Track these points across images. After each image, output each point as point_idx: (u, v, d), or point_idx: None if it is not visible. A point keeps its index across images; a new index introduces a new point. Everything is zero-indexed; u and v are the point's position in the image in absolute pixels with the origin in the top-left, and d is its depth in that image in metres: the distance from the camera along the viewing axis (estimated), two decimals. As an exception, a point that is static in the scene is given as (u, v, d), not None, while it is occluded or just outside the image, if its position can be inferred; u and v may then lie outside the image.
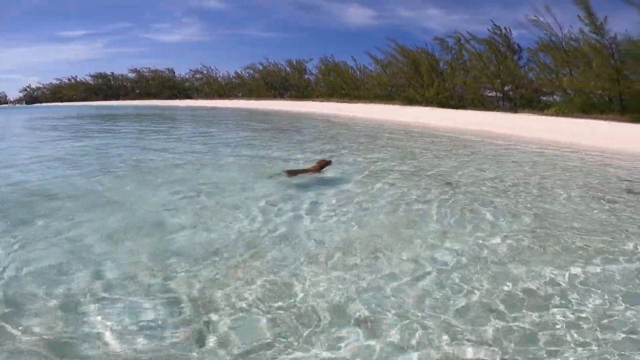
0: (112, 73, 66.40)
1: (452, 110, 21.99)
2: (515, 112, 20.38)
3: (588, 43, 18.23)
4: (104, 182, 5.09)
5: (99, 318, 2.05)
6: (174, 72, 62.23)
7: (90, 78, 66.30)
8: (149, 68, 62.94)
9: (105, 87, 65.90)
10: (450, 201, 4.20)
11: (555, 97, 21.84)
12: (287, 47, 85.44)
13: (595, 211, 3.95)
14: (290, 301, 2.19)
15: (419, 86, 28.83)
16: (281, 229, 3.34)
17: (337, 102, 32.39)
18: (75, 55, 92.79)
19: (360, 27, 71.35)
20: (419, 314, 2.09)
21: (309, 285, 2.35)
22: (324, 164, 5.25)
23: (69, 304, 2.18)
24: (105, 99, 61.93)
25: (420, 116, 18.94)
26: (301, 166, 5.92)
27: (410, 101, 28.00)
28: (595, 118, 15.07)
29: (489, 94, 26.22)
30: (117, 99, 61.81)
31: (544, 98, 23.01)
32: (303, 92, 43.61)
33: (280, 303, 2.17)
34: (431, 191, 4.63)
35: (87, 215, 3.67)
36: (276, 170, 5.44)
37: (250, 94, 49.19)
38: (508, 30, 24.57)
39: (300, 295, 2.25)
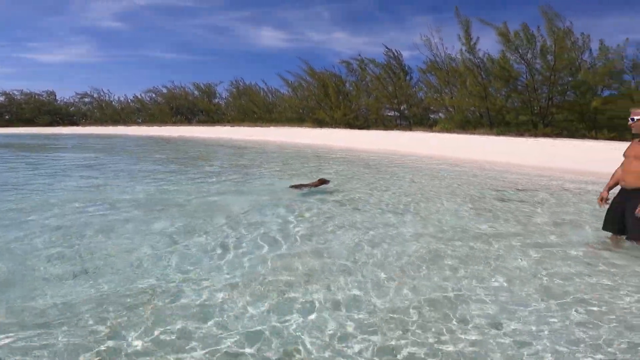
0: (-28, 96, 54.46)
1: (357, 131, 23.46)
2: (410, 129, 22.72)
3: (464, 63, 21.41)
4: None
5: None
6: (55, 96, 53.90)
7: (-60, 102, 53.10)
8: (21, 90, 53.42)
9: (-39, 113, 53.53)
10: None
11: (440, 114, 25.08)
12: (195, 69, 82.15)
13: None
14: None
15: (327, 108, 30.09)
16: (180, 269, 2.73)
17: (249, 126, 31.84)
18: None
19: (272, 49, 72.95)
20: None
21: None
22: (323, 182, 5.98)
23: None
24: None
25: (329, 138, 19.67)
26: (305, 181, 6.44)
27: (320, 123, 29.04)
28: (471, 133, 17.67)
29: (389, 114, 28.81)
30: (-21, 126, 50.57)
31: (432, 116, 26.26)
32: (213, 117, 41.90)
33: None
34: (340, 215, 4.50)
35: None
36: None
37: (152, 119, 45.23)
38: (399, 52, 27.69)
39: None
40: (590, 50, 18.42)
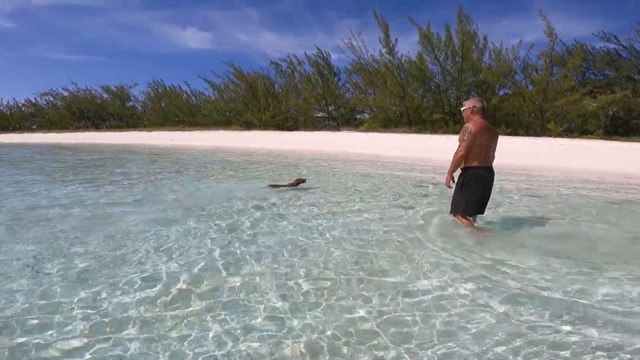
0: None
1: (287, 133, 23.11)
2: (338, 129, 23.12)
3: (384, 64, 22.33)
4: None
5: None
6: None
7: None
8: None
9: None
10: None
11: (365, 114, 26.01)
12: (107, 71, 73.77)
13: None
14: None
15: (256, 110, 29.07)
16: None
17: (171, 130, 29.35)
18: None
19: (198, 50, 68.87)
20: None
21: None
22: (300, 181, 5.97)
23: None
24: None
25: (257, 140, 18.95)
26: (282, 182, 6.47)
27: (248, 125, 28.04)
28: (392, 132, 18.58)
29: (318, 115, 29.00)
30: None
31: (358, 116, 27.13)
32: (127, 122, 37.82)
33: None
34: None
35: None
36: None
37: (50, 125, 39.36)
38: (328, 54, 27.97)
39: None
40: (490, 51, 20.73)
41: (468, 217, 3.58)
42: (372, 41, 32.62)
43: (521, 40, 27.53)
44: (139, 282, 2.76)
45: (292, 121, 28.48)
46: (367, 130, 20.87)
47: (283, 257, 3.26)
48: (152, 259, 3.20)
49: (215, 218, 4.63)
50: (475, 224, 3.66)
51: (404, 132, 18.51)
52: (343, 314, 2.25)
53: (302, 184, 6.05)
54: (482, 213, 3.66)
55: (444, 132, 17.98)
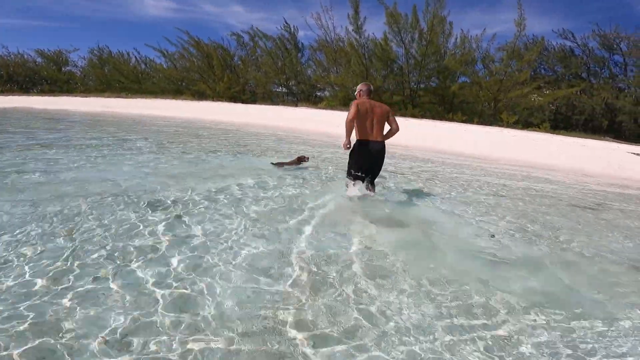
0: None
1: (242, 105, 21.64)
2: (297, 105, 22.06)
3: (350, 43, 21.54)
4: None
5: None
6: None
7: None
8: None
9: None
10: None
11: (326, 92, 25.18)
12: (54, 37, 64.86)
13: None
14: None
15: (210, 80, 27.48)
16: None
17: (111, 97, 26.38)
18: None
19: (157, 18, 62.77)
20: None
21: None
22: (302, 159, 5.82)
23: None
24: None
25: (208, 112, 17.36)
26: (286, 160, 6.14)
27: (200, 95, 26.10)
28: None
29: (277, 89, 27.70)
30: None
31: (319, 93, 26.27)
32: (62, 87, 34.12)
33: None
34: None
35: None
36: None
37: (-33, 89, 34.42)
38: (296, 29, 26.30)
39: None
40: (456, 39, 20.53)
41: (350, 179, 4.00)
42: (341, 20, 31.77)
43: (485, 29, 27.64)
44: None
45: (249, 94, 26.98)
46: (326, 107, 20.08)
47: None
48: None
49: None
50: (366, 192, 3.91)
51: (363, 112, 17.94)
52: None
53: (304, 162, 5.89)
54: (369, 176, 3.99)
55: (403, 115, 17.66)
